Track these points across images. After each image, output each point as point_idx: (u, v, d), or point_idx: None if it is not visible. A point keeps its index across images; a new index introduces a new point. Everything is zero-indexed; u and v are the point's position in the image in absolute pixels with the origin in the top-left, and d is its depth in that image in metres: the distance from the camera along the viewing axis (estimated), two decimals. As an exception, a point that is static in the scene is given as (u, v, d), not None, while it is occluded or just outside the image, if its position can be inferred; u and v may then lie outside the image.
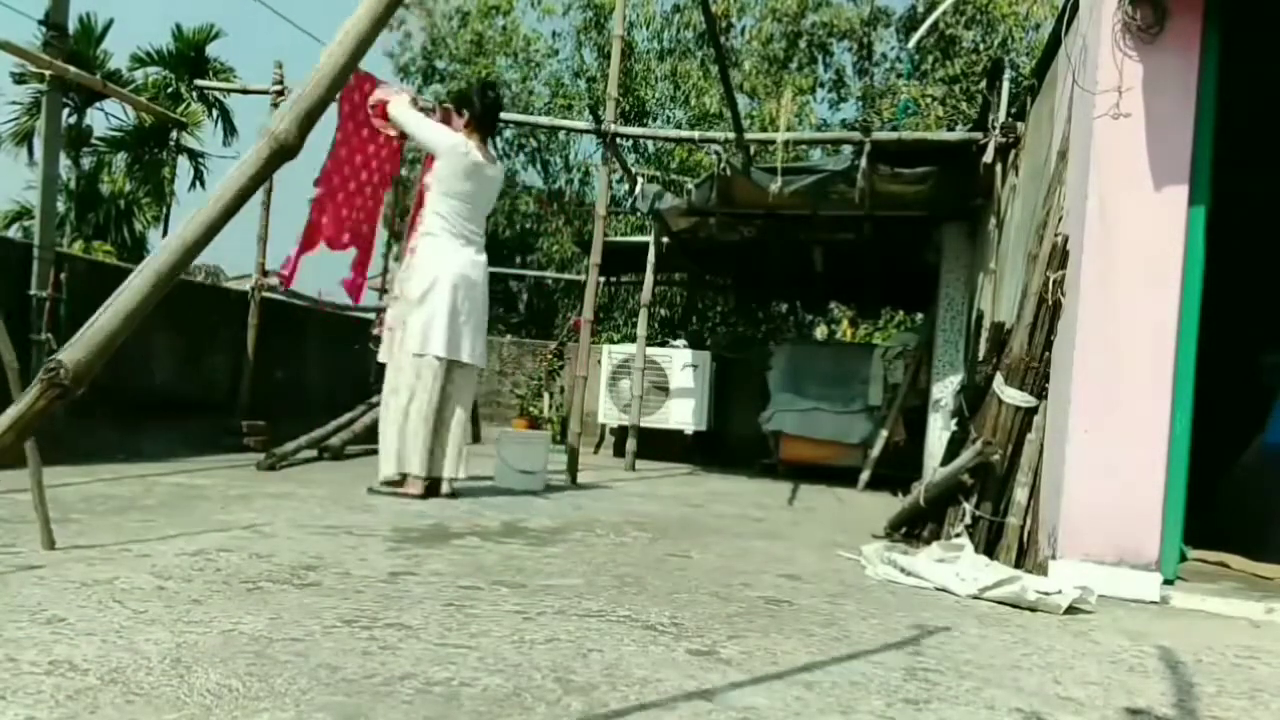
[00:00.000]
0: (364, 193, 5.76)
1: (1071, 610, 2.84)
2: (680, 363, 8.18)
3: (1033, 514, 3.51)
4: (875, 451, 7.24)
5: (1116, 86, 3.27)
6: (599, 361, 8.17)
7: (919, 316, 10.54)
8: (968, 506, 3.67)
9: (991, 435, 3.63)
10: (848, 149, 6.15)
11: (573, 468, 5.63)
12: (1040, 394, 3.61)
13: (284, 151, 1.16)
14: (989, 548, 3.56)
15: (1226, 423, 4.37)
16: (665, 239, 7.77)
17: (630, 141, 11.90)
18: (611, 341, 11.00)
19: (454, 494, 4.44)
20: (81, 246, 17.61)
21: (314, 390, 7.48)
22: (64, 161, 15.18)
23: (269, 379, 6.65)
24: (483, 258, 4.59)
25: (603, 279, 8.10)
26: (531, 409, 8.26)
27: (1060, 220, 3.67)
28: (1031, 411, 3.62)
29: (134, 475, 4.25)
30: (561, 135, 14.19)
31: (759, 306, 12.93)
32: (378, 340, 6.99)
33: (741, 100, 12.74)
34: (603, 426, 8.82)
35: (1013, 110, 5.35)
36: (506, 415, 8.91)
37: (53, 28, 4.76)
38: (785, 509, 5.38)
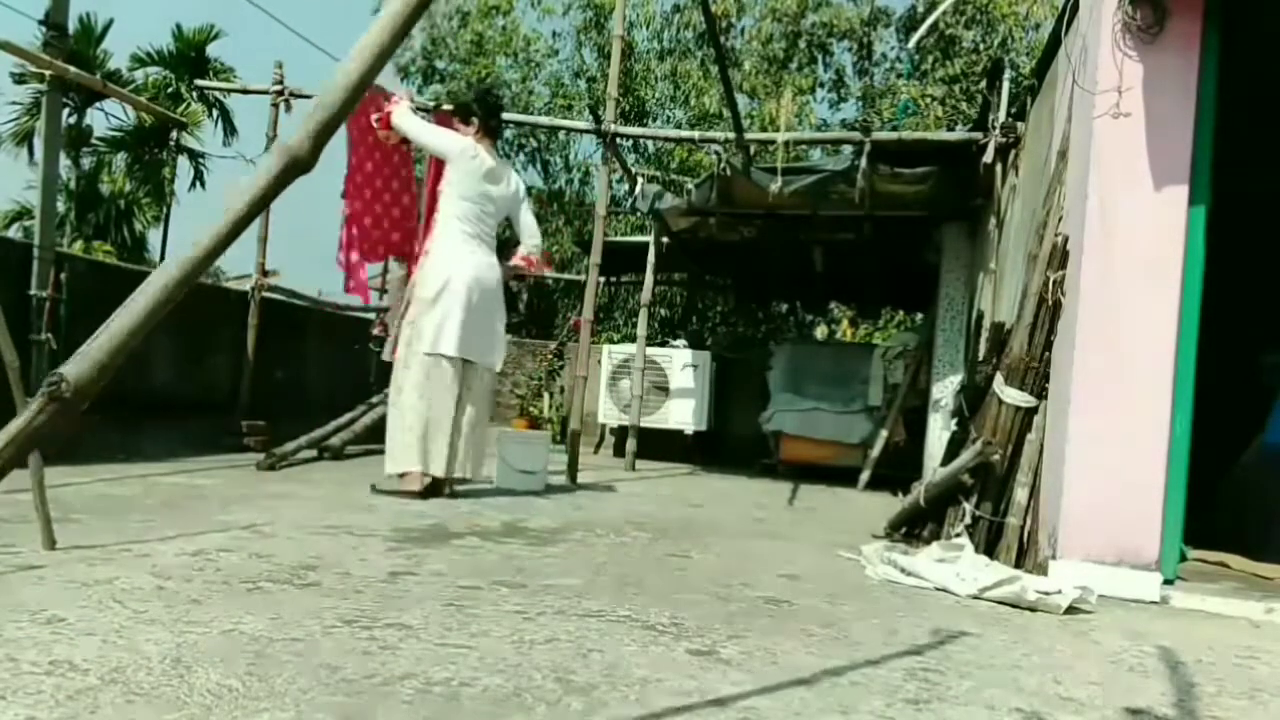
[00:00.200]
0: (383, 199, 5.78)
1: (1071, 610, 2.84)
2: (680, 363, 8.18)
3: (1033, 514, 3.51)
4: (875, 451, 7.24)
5: (1116, 86, 3.27)
6: (599, 361, 8.17)
7: (919, 316, 10.54)
8: (968, 506, 3.66)
9: (991, 435, 3.63)
10: (848, 149, 6.15)
11: (573, 468, 5.63)
12: (1040, 394, 3.61)
13: (297, 165, 1.15)
14: (989, 548, 3.55)
15: (1226, 423, 4.37)
16: (665, 239, 7.77)
17: (630, 141, 11.90)
18: (611, 341, 11.00)
19: (455, 494, 4.44)
20: (81, 246, 17.62)
21: (314, 390, 7.48)
22: (64, 161, 15.18)
23: (269, 379, 6.65)
24: (496, 260, 4.61)
25: (603, 279, 8.09)
26: (531, 409, 8.25)
27: (1060, 220, 3.67)
28: (1031, 411, 3.61)
29: (134, 475, 4.25)
30: (561, 135, 14.18)
31: (759, 306, 12.92)
32: (378, 340, 7.02)
33: (741, 100, 12.73)
34: (603, 426, 8.82)
35: (1013, 110, 5.35)
36: (506, 415, 8.90)
37: (53, 28, 4.77)
38: (785, 509, 5.38)
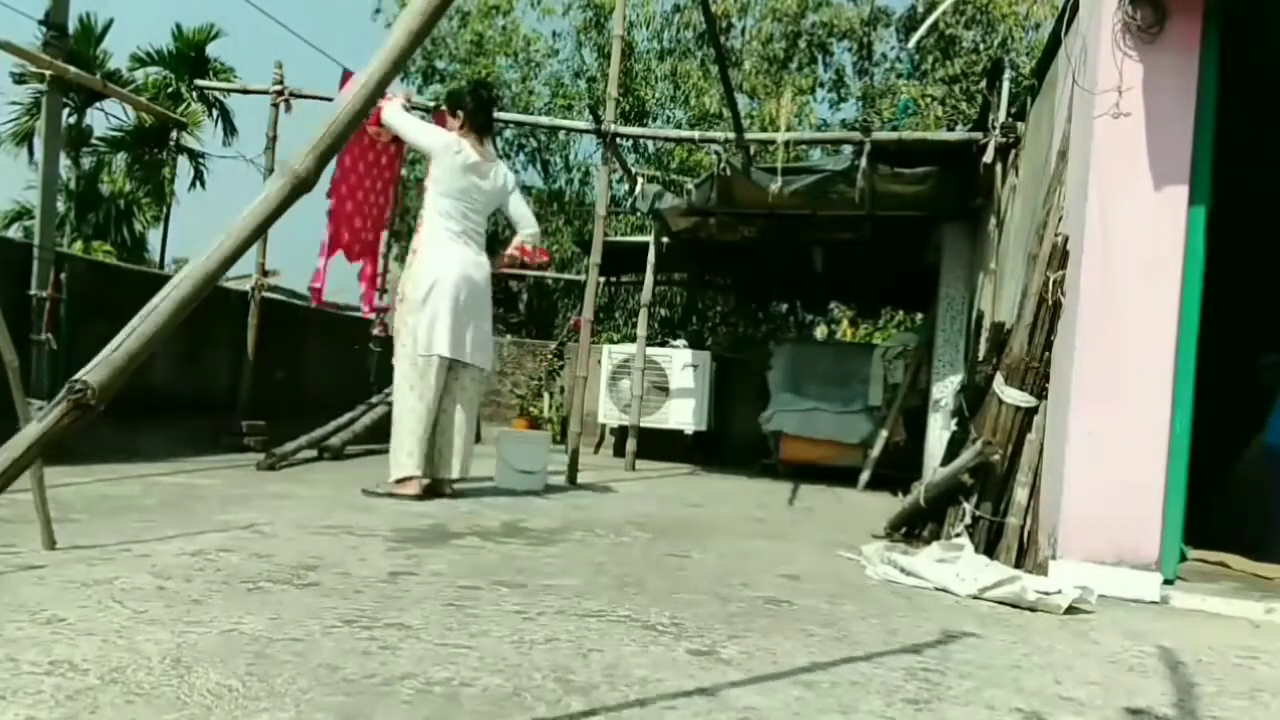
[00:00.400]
0: (370, 200, 5.79)
1: (1071, 610, 2.84)
2: (680, 363, 8.18)
3: (1033, 514, 3.51)
4: (875, 451, 7.24)
5: (1116, 86, 3.27)
6: (599, 361, 8.17)
7: (919, 316, 10.54)
8: (968, 506, 3.66)
9: (991, 435, 3.63)
10: (848, 149, 6.15)
11: (573, 468, 5.63)
12: (1040, 394, 3.61)
13: (302, 185, 1.25)
14: (989, 548, 3.55)
15: (1226, 423, 4.37)
16: (665, 239, 7.77)
17: (630, 141, 11.90)
18: (611, 341, 11.00)
19: (455, 494, 4.44)
20: (81, 246, 17.63)
21: (314, 390, 7.48)
22: (64, 161, 15.19)
23: (269, 379, 6.65)
24: (484, 258, 4.60)
25: (603, 279, 8.09)
26: (531, 409, 8.24)
27: (1060, 220, 3.67)
28: (1031, 411, 3.61)
29: (134, 475, 4.25)
30: (561, 135, 14.18)
31: (759, 306, 12.93)
32: (379, 341, 7.03)
33: (741, 100, 12.73)
34: (603, 426, 8.82)
35: (1013, 110, 5.35)
36: (506, 415, 8.90)
37: (53, 28, 4.77)
38: (785, 509, 5.38)
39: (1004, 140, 5.33)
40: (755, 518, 4.77)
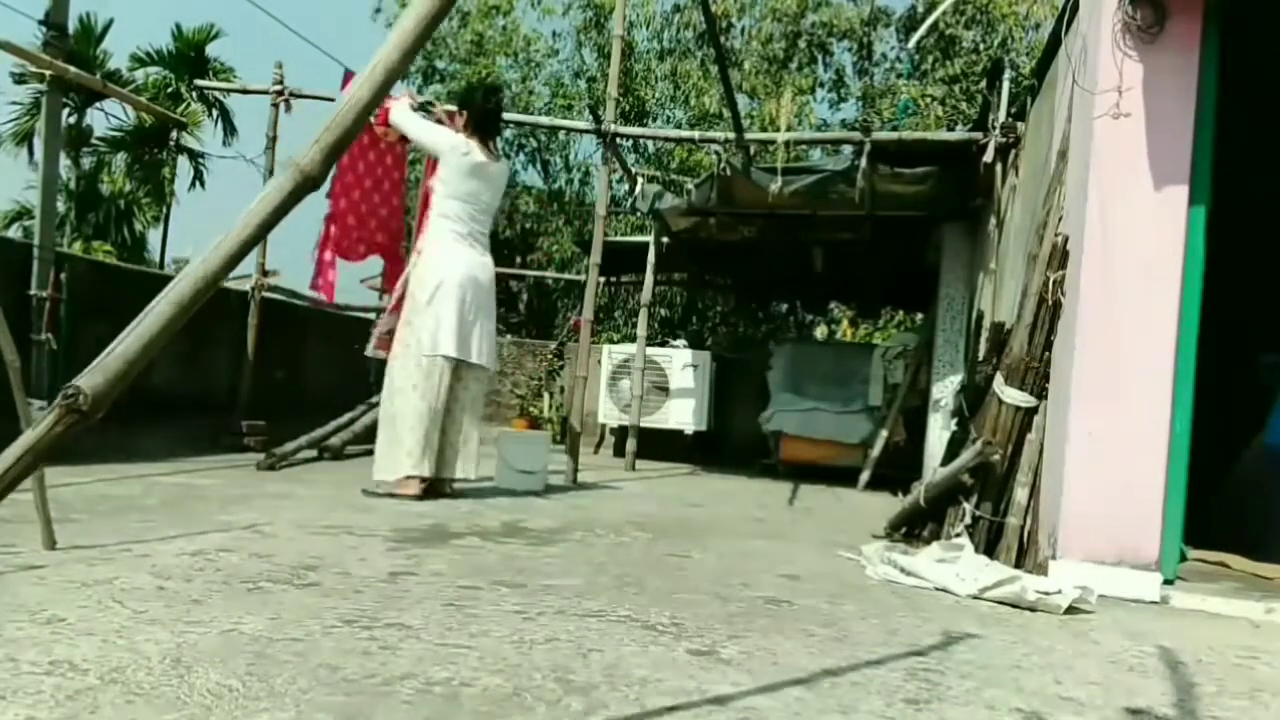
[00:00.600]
0: (371, 200, 5.78)
1: (1071, 610, 2.84)
2: (680, 363, 8.18)
3: (1033, 514, 3.51)
4: (875, 451, 7.24)
5: (1116, 86, 3.27)
6: (599, 361, 8.17)
7: (919, 316, 10.54)
8: (968, 506, 3.66)
9: (991, 435, 3.63)
10: (848, 149, 6.15)
11: (573, 468, 5.63)
12: (1040, 394, 3.61)
13: (308, 183, 1.20)
14: (989, 548, 3.55)
15: (1226, 423, 4.37)
16: (665, 239, 7.77)
17: (630, 141, 11.89)
18: (611, 341, 11.00)
19: (455, 494, 4.44)
20: (81, 246, 17.61)
21: (314, 390, 7.48)
22: (64, 161, 15.19)
23: (269, 379, 6.65)
24: (489, 259, 4.61)
25: (603, 279, 8.09)
26: (531, 409, 8.25)
27: (1060, 220, 3.67)
28: (1031, 411, 3.61)
29: (134, 475, 4.25)
30: (561, 135, 14.17)
31: (759, 306, 12.93)
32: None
33: (741, 100, 12.73)
34: (603, 426, 8.82)
35: (1013, 110, 5.35)
36: (506, 415, 8.90)
37: (53, 28, 4.77)
38: (785, 509, 5.38)
39: (1004, 140, 5.33)
40: (755, 518, 4.77)
